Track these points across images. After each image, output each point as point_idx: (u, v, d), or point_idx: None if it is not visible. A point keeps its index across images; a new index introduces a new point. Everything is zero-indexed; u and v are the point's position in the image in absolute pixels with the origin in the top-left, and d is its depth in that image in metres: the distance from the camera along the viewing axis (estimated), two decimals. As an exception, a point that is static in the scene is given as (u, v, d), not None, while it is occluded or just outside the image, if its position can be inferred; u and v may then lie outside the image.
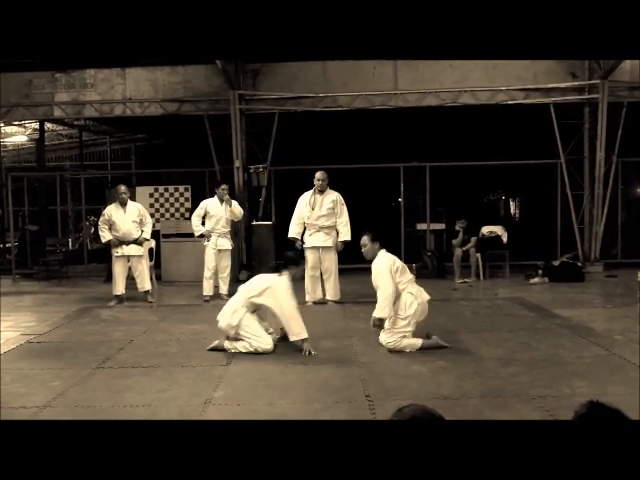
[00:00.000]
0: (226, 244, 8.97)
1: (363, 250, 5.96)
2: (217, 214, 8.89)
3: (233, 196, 10.22)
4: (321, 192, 8.33)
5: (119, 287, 8.79)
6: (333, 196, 8.33)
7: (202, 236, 8.96)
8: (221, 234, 8.89)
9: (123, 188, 8.90)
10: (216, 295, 8.80)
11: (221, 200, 8.90)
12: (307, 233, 8.36)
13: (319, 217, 8.25)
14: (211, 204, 8.97)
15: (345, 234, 8.24)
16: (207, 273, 8.90)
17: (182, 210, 12.41)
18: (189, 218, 11.76)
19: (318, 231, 8.25)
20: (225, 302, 6.38)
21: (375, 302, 5.71)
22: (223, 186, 9.00)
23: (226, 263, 8.92)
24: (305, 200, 8.38)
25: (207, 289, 8.89)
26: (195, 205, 12.25)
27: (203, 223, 8.99)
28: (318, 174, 8.38)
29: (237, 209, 8.95)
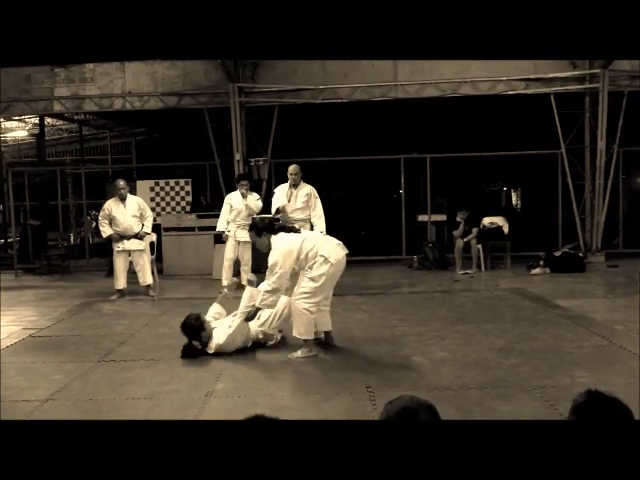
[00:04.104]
0: (245, 236, 9.01)
1: (257, 247, 5.79)
2: (238, 207, 9.05)
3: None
4: (295, 186, 8.43)
5: (120, 281, 8.81)
6: (307, 189, 8.43)
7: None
8: (240, 226, 8.99)
9: (122, 183, 8.89)
10: (239, 286, 8.79)
11: (243, 195, 9.06)
12: None
13: (294, 210, 8.38)
14: (234, 197, 9.14)
15: (320, 226, 8.28)
16: (225, 264, 9.09)
17: (183, 204, 12.41)
18: (190, 212, 11.80)
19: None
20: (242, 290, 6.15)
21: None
22: (242, 182, 9.14)
23: (247, 256, 9.01)
24: (283, 192, 8.51)
25: (225, 279, 8.97)
26: (195, 198, 12.34)
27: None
28: (291, 168, 8.47)
29: (253, 203, 9.04)
